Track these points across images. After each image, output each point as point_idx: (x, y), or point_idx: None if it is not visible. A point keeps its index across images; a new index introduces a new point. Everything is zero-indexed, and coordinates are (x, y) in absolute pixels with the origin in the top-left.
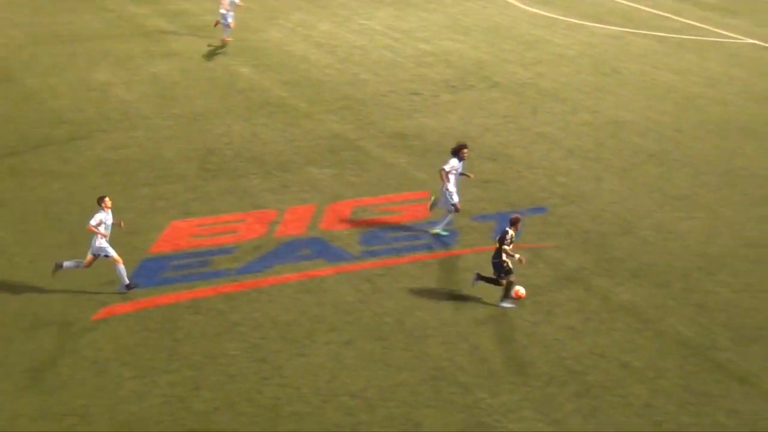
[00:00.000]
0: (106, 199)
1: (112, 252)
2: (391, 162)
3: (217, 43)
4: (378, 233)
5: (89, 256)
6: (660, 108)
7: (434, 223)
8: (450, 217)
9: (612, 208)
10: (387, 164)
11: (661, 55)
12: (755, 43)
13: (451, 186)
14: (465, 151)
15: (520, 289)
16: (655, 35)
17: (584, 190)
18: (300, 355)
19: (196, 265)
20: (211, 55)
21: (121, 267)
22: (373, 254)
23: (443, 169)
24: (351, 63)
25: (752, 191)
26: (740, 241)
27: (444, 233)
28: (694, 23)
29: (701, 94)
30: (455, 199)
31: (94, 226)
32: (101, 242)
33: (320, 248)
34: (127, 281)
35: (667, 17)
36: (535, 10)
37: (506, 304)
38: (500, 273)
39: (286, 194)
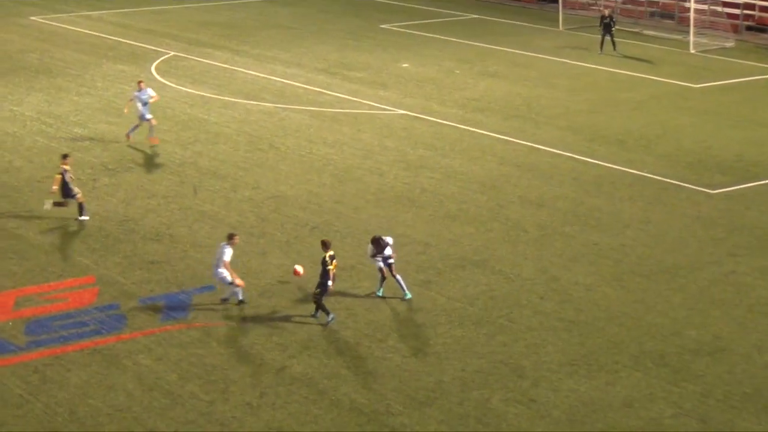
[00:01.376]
0: (236, 237)
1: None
2: (53, 249)
3: None
4: (44, 322)
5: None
6: (319, 181)
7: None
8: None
9: (280, 282)
10: (48, 251)
11: (316, 128)
12: (405, 113)
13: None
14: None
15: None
16: (309, 110)
17: (250, 265)
18: None
19: None
20: None
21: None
22: (40, 344)
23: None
24: (4, 150)
25: (413, 257)
26: (405, 306)
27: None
28: (346, 97)
29: (358, 165)
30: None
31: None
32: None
33: None
34: (240, 297)
35: (320, 92)
36: (189, 90)
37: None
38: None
39: None
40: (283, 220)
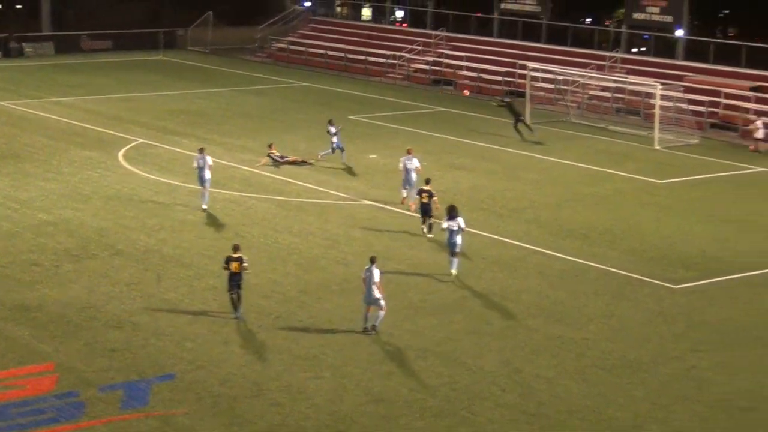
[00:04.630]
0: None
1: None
2: (13, 335)
3: None
4: (1, 410)
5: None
6: (283, 270)
7: None
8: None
9: (241, 371)
10: (8, 338)
11: (282, 218)
12: (371, 204)
13: None
14: None
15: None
16: (275, 199)
17: (212, 354)
18: None
19: None
20: None
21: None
22: None
23: None
24: None
25: (376, 349)
26: (368, 398)
27: None
28: (313, 186)
29: (323, 254)
30: None
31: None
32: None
33: None
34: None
35: (288, 182)
36: (156, 177)
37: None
38: None
39: None
40: (246, 309)
